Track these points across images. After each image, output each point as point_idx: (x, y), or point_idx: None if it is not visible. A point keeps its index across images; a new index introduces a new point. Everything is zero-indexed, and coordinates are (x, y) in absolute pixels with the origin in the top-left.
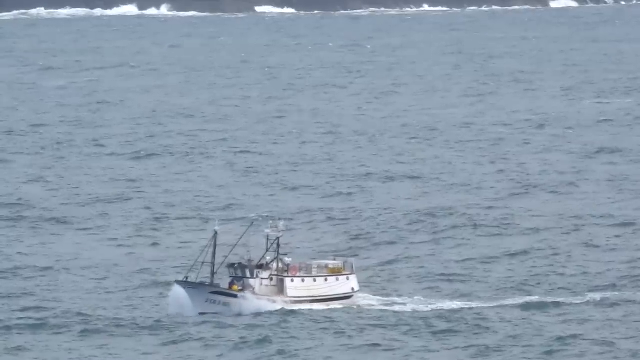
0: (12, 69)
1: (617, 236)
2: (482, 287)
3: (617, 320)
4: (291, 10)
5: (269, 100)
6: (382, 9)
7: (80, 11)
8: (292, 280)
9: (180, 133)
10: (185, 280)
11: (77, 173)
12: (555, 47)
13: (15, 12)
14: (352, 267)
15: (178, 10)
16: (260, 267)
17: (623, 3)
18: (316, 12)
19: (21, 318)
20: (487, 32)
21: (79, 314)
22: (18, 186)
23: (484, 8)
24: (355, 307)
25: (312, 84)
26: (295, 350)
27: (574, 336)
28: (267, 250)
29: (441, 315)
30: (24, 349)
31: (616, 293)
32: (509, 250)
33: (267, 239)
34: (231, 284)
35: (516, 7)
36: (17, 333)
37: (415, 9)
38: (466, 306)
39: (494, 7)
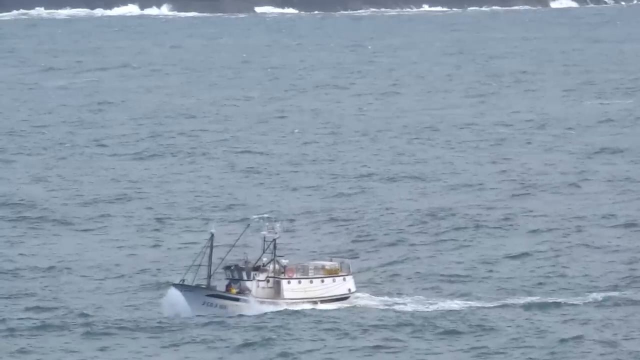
0: (13, 69)
1: (619, 237)
2: (484, 288)
3: (619, 321)
4: (291, 11)
5: (270, 100)
6: (382, 9)
7: (81, 11)
8: (289, 282)
9: (181, 133)
10: (181, 283)
11: (79, 173)
12: (556, 48)
13: (15, 12)
14: (349, 268)
15: (178, 11)
16: (257, 269)
17: (623, 3)
18: (316, 12)
19: (23, 319)
20: (487, 33)
21: (81, 314)
22: (20, 186)
23: (484, 8)
24: (357, 308)
25: (313, 84)
26: (298, 352)
27: (576, 337)
28: (264, 251)
29: (443, 315)
30: (26, 351)
31: (618, 293)
32: (511, 251)
33: (264, 240)
34: (228, 287)
35: (516, 8)
36: (20, 335)
37: (415, 9)
38: (468, 307)
39: (494, 8)
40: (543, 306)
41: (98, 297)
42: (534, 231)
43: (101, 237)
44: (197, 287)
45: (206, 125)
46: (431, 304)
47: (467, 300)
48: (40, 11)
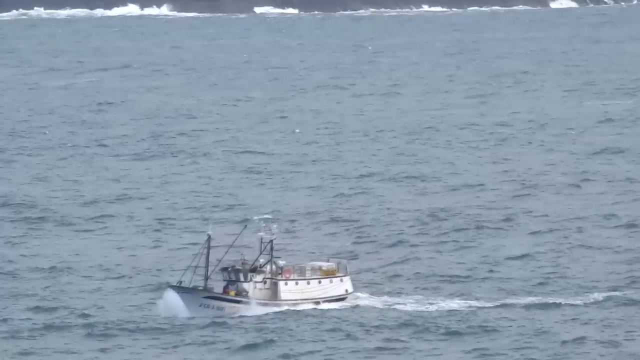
0: (13, 69)
1: (619, 237)
2: (485, 288)
3: (620, 321)
4: (291, 11)
5: (271, 101)
6: (382, 9)
7: (81, 11)
8: (286, 284)
9: (182, 133)
10: (178, 284)
11: (79, 173)
12: (556, 48)
13: (15, 12)
14: (346, 269)
15: (178, 11)
16: (254, 270)
17: (623, 4)
18: (316, 12)
19: (24, 320)
20: (488, 33)
21: (82, 315)
22: (20, 187)
23: (484, 8)
24: (358, 308)
25: (314, 84)
26: (299, 352)
27: (577, 337)
28: (261, 253)
29: (444, 316)
30: (27, 352)
31: (619, 294)
32: (512, 251)
33: (261, 241)
34: (226, 288)
35: (516, 8)
36: (21, 336)
37: (415, 10)
38: (469, 307)
39: (494, 8)
40: (544, 306)
41: (99, 297)
42: (534, 231)
43: (102, 237)
44: (194, 289)
45: (207, 125)
46: (432, 304)
47: (468, 300)
48: (40, 11)
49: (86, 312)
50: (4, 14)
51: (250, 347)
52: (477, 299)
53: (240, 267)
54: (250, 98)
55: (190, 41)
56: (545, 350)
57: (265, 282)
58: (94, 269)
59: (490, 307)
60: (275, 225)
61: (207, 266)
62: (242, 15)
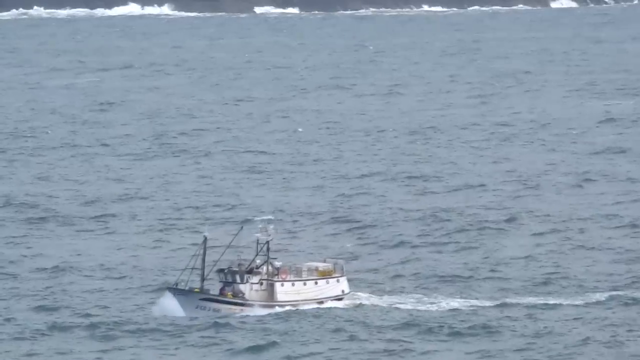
0: (15, 69)
1: (621, 237)
2: (486, 288)
3: (622, 322)
4: (291, 11)
5: (273, 100)
6: (382, 9)
7: (81, 11)
8: (282, 285)
9: (183, 133)
10: (175, 286)
11: (81, 173)
12: (557, 48)
13: (15, 12)
14: (343, 269)
15: (178, 10)
16: (250, 272)
17: (623, 4)
18: (316, 12)
19: (26, 321)
20: (489, 33)
21: (85, 316)
22: (22, 187)
23: (484, 8)
24: (359, 309)
25: (315, 84)
26: (301, 354)
27: (579, 337)
28: (257, 254)
29: (445, 316)
30: (30, 353)
31: (621, 294)
32: (513, 251)
33: (257, 242)
34: (222, 290)
35: (516, 8)
36: (23, 337)
37: (415, 9)
38: (470, 307)
39: (494, 7)
40: (546, 307)
41: (101, 298)
42: (536, 231)
43: (104, 237)
44: (190, 291)
45: (208, 125)
46: (433, 304)
47: (470, 300)
48: (40, 11)
49: (88, 312)
50: (4, 14)
51: (254, 349)
52: (478, 299)
53: (237, 269)
54: (252, 98)
55: (192, 41)
56: (547, 351)
57: (261, 284)
58: (95, 269)
59: (491, 307)
60: (271, 227)
61: (203, 268)
62: (243, 15)
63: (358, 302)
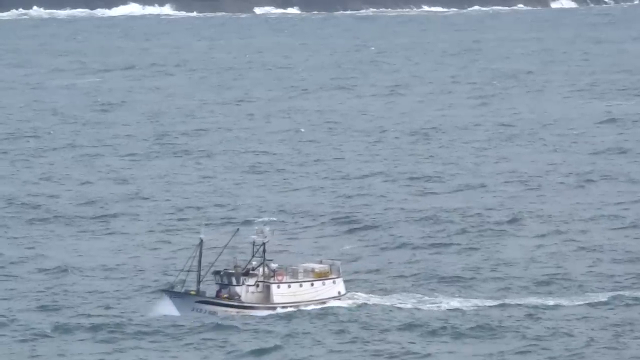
0: (16, 69)
1: (624, 237)
2: (487, 289)
3: (624, 322)
4: (291, 11)
5: (274, 101)
6: (382, 9)
7: (81, 11)
8: (279, 287)
9: (184, 134)
10: (171, 289)
11: (83, 173)
12: (559, 48)
13: (15, 12)
14: (339, 271)
15: (178, 10)
16: (246, 273)
17: (623, 4)
18: (316, 12)
19: (28, 321)
20: (489, 33)
21: (87, 317)
22: (24, 187)
23: (484, 8)
24: (363, 310)
25: (317, 84)
26: (303, 357)
27: (581, 337)
28: (253, 255)
29: (447, 317)
30: (32, 354)
31: (623, 294)
32: (515, 252)
33: (254, 244)
34: (219, 292)
35: (515, 8)
36: (25, 338)
37: (415, 10)
38: (472, 308)
39: (494, 8)
40: (547, 307)
41: (103, 299)
42: (538, 232)
43: (105, 238)
44: (186, 294)
45: (209, 125)
46: (435, 305)
47: (471, 301)
48: (40, 11)
49: (90, 313)
50: (4, 14)
51: (256, 351)
52: (480, 299)
53: (233, 271)
54: (253, 98)
55: (192, 41)
56: (548, 351)
57: (257, 285)
58: (97, 269)
59: (493, 308)
60: (267, 229)
61: (199, 270)
62: (243, 15)
63: (359, 302)
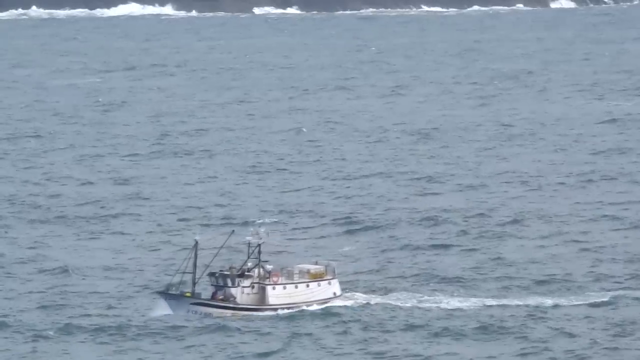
0: (17, 70)
1: (625, 237)
2: (488, 289)
3: (626, 322)
4: (291, 11)
5: (275, 100)
6: (382, 9)
7: (81, 11)
8: (274, 288)
9: (186, 134)
10: (166, 291)
11: (85, 173)
12: (560, 48)
13: (14, 12)
14: (334, 272)
15: (178, 10)
16: (242, 275)
17: (623, 4)
18: (316, 12)
19: (29, 322)
20: (490, 33)
21: (89, 318)
22: (26, 187)
23: (484, 8)
24: (364, 311)
25: (318, 84)
26: (306, 359)
27: (582, 337)
28: (249, 257)
29: (448, 317)
30: (36, 355)
31: (625, 294)
32: (516, 252)
33: (249, 246)
34: (214, 294)
35: (515, 8)
36: (27, 338)
37: (415, 10)
38: (473, 308)
39: (494, 8)
40: (548, 307)
41: (104, 299)
42: (539, 232)
43: (107, 238)
44: (181, 295)
45: (210, 125)
46: (436, 305)
47: (472, 301)
48: (39, 12)
49: (91, 314)
50: (3, 14)
51: (258, 353)
52: (481, 299)
53: (228, 272)
54: (253, 98)
55: (193, 41)
56: (550, 351)
57: (253, 287)
58: (99, 270)
59: (494, 308)
60: (263, 230)
61: (194, 272)
62: (243, 15)
63: (360, 303)
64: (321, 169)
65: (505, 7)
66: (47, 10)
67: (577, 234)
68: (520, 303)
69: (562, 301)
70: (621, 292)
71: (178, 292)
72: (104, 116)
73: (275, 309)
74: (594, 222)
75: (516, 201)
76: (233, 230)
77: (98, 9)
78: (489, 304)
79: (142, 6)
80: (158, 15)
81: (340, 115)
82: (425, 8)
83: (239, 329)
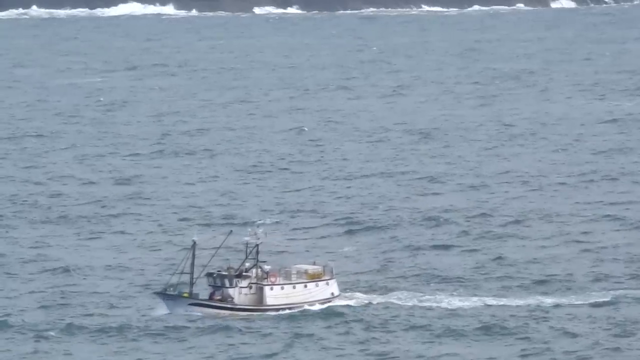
0: (18, 70)
1: (626, 237)
2: (489, 289)
3: (628, 321)
4: (291, 11)
5: (275, 100)
6: (382, 9)
7: (81, 11)
8: (272, 288)
9: (187, 134)
10: (164, 291)
11: (86, 172)
12: (561, 48)
13: (15, 11)
14: (332, 272)
15: (178, 9)
16: (239, 275)
17: (623, 4)
18: (316, 12)
19: (31, 322)
20: (490, 33)
21: (90, 318)
22: (27, 187)
23: (484, 8)
24: (365, 311)
25: (319, 84)
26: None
27: (583, 337)
28: (247, 257)
29: (449, 317)
30: (37, 354)
31: (627, 293)
32: (517, 251)
33: (247, 246)
34: (212, 295)
35: (515, 8)
36: (28, 338)
37: (415, 10)
38: (474, 308)
39: (494, 8)
40: (549, 307)
41: (105, 299)
42: (540, 232)
43: (108, 238)
44: (179, 296)
45: (211, 125)
46: (437, 305)
47: (473, 301)
48: (40, 11)
49: (93, 313)
50: (3, 13)
51: (259, 355)
52: (482, 300)
53: (226, 273)
54: (255, 98)
55: (194, 41)
56: (551, 352)
57: (250, 287)
58: (100, 269)
59: (495, 308)
60: (261, 230)
61: (192, 272)
62: (243, 15)
63: (361, 303)
64: (322, 169)
65: (506, 7)
66: (47, 10)
67: (579, 234)
68: (522, 303)
69: (564, 301)
70: (623, 292)
71: (176, 293)
72: (105, 116)
73: (273, 310)
74: (595, 222)
75: (517, 201)
76: (231, 231)
77: (99, 9)
78: (490, 304)
79: (143, 5)
80: (159, 14)
81: (341, 115)
82: (425, 8)
83: (240, 330)
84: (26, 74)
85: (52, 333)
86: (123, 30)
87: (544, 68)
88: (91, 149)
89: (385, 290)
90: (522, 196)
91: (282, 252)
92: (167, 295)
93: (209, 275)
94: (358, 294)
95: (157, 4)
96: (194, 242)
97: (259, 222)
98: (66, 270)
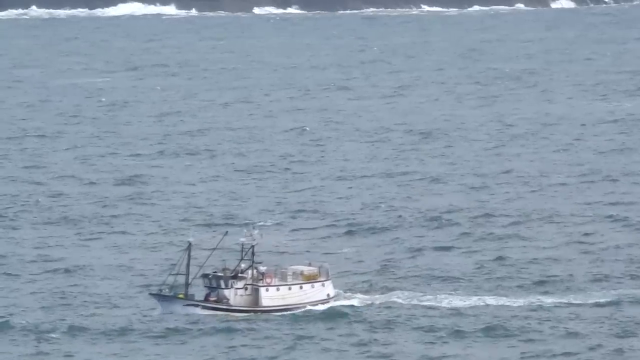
0: (19, 70)
1: (627, 237)
2: (489, 288)
3: (628, 321)
4: (291, 11)
5: (276, 100)
6: (382, 9)
7: (81, 11)
8: (267, 290)
9: (188, 134)
10: (159, 292)
11: (87, 172)
12: (561, 48)
13: (14, 12)
14: (328, 273)
15: (178, 9)
16: (235, 277)
17: (623, 4)
18: (316, 12)
19: (33, 322)
20: (491, 33)
21: (90, 317)
22: (28, 188)
23: (484, 8)
24: (365, 311)
25: (319, 84)
26: None
27: (583, 337)
28: (242, 258)
29: (450, 317)
30: (38, 355)
31: (627, 293)
32: (517, 251)
33: (242, 247)
34: (208, 295)
35: (515, 8)
36: (30, 338)
37: (415, 10)
38: (473, 308)
39: (494, 8)
40: (550, 308)
41: (106, 300)
42: (541, 232)
43: (110, 238)
44: (174, 297)
45: (212, 125)
46: (438, 305)
47: (474, 301)
48: (40, 11)
49: (94, 314)
50: (3, 13)
51: (262, 357)
52: (483, 300)
53: (221, 274)
54: (255, 98)
55: (194, 41)
56: (552, 351)
57: (246, 289)
58: (101, 270)
59: (496, 308)
60: (256, 231)
61: (187, 273)
62: (244, 15)
63: (362, 304)
64: (323, 169)
65: (506, 7)
66: (47, 10)
67: (580, 235)
68: (523, 303)
69: (565, 301)
70: (624, 292)
71: (171, 294)
72: (106, 116)
73: (269, 311)
74: (596, 222)
75: (518, 201)
76: (227, 232)
77: (98, 9)
78: (491, 304)
79: (144, 5)
80: (159, 14)
81: (342, 115)
82: (425, 8)
83: (241, 332)
84: (27, 74)
85: (53, 335)
86: (123, 31)
87: (545, 68)
88: (92, 149)
89: (387, 290)
90: (523, 196)
91: (282, 252)
92: (162, 296)
93: (205, 276)
94: (359, 295)
95: (158, 4)
96: (190, 243)
97: (258, 223)
98: (67, 270)
